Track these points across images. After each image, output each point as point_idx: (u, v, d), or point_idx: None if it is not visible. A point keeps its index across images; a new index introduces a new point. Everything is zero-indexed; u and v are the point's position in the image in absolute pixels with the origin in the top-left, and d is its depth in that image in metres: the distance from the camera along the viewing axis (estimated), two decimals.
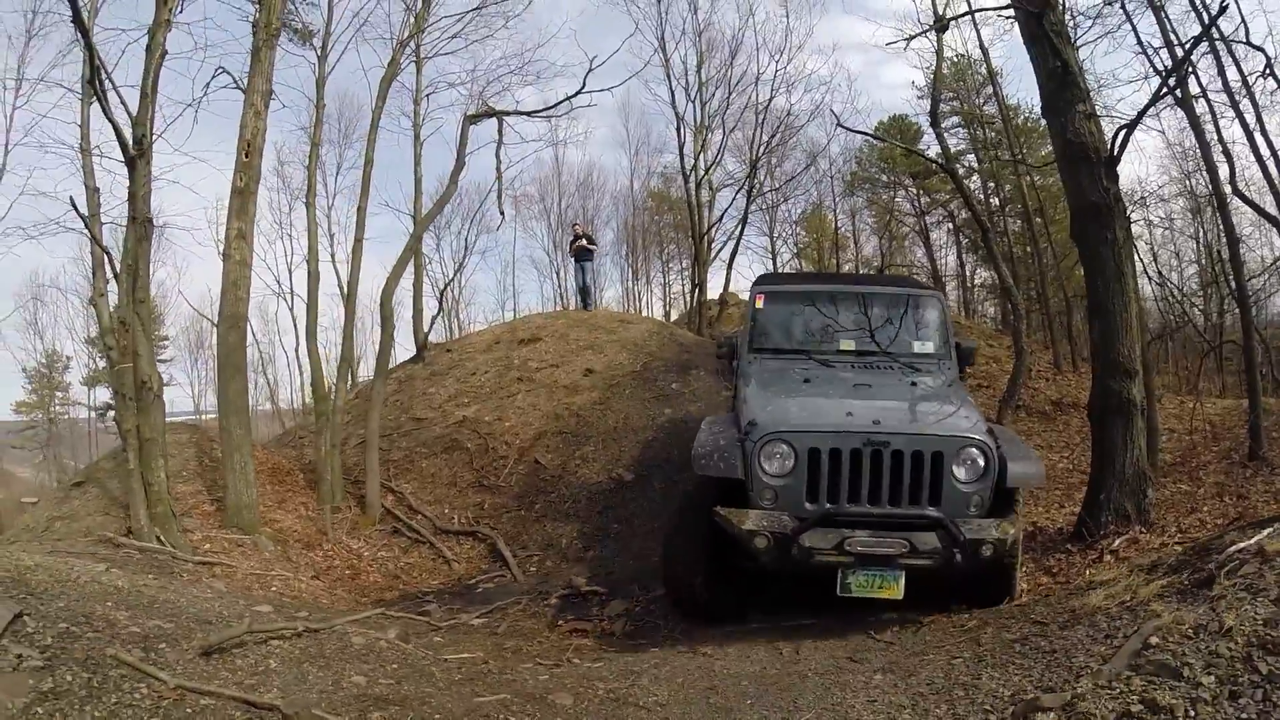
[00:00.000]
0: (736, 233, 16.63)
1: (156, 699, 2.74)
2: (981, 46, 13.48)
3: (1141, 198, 15.83)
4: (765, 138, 15.45)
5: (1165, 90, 6.64)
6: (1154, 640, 2.87)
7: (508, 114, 12.68)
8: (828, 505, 4.84)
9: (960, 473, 4.79)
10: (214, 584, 5.99)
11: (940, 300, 6.52)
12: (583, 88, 11.50)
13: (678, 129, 15.99)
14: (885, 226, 22.93)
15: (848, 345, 6.24)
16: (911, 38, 7.59)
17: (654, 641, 5.47)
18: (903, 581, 4.72)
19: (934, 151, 10.56)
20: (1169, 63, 8.10)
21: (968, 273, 23.44)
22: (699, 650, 4.77)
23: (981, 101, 16.88)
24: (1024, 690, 3.04)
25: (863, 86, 49.01)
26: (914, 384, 5.77)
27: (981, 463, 4.80)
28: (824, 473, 4.84)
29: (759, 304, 6.63)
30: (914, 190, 22.66)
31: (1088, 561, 5.53)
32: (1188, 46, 7.09)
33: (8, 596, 3.06)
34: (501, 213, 14.65)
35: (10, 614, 2.87)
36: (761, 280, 7.26)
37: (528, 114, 12.59)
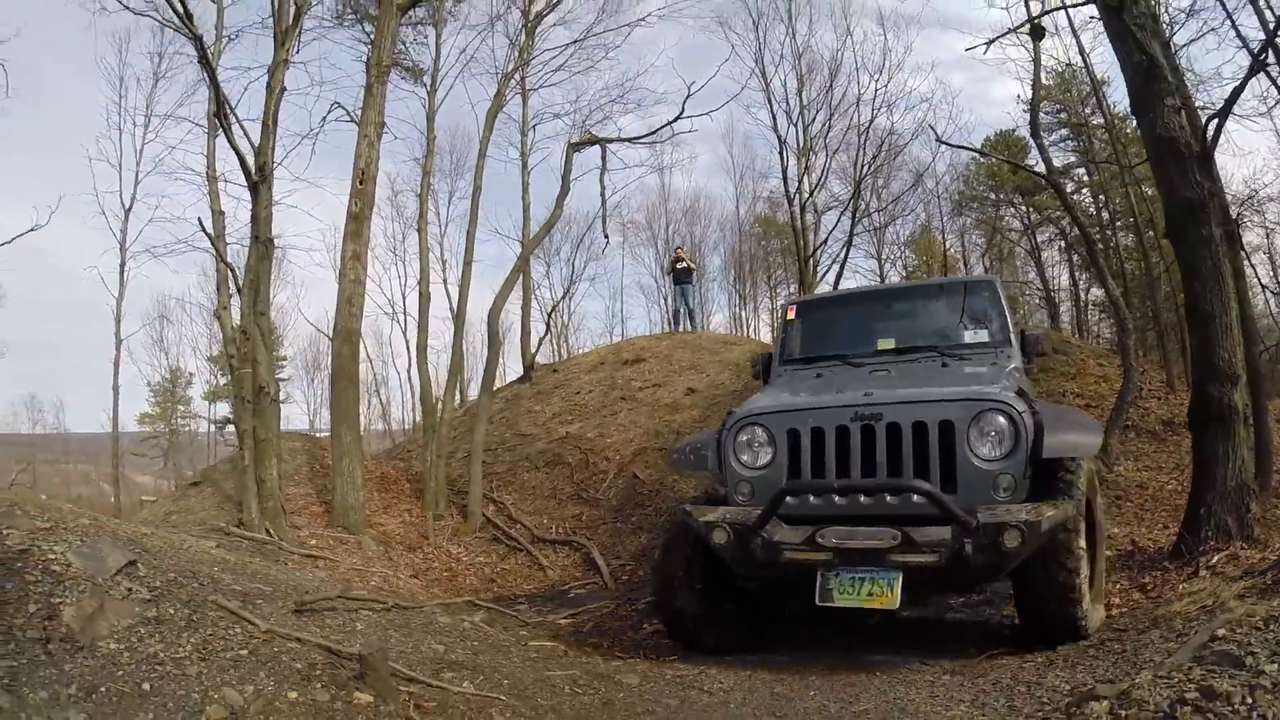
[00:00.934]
0: (841, 255, 16.42)
1: (248, 638, 2.95)
2: (1082, 52, 12.89)
3: (1250, 197, 14.60)
4: (868, 158, 15.22)
5: (1255, 70, 6.20)
6: (1221, 633, 2.69)
7: (610, 141, 13.05)
8: (812, 500, 4.06)
9: (980, 446, 3.84)
10: (316, 572, 6.34)
11: (996, 285, 5.52)
12: (681, 113, 11.75)
13: (780, 153, 15.90)
14: (994, 245, 22.02)
15: (886, 344, 5.39)
16: (991, 41, 7.29)
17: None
18: (899, 586, 3.68)
19: (1044, 167, 10.08)
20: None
21: (1081, 291, 22.20)
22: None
23: (1088, 111, 16.10)
24: (1085, 685, 2.92)
25: (969, 103, 47.73)
26: (945, 365, 4.95)
27: (1008, 432, 3.80)
28: (806, 460, 4.08)
29: (790, 315, 6.08)
30: (1023, 207, 21.73)
31: (1183, 577, 5.10)
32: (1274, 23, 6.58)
33: (127, 549, 3.36)
34: (606, 237, 15.04)
35: (125, 559, 3.15)
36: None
37: (629, 140, 12.94)
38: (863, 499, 3.94)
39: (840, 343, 5.65)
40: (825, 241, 16.91)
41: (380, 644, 3.33)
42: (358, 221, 8.83)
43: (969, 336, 5.24)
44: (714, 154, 75.32)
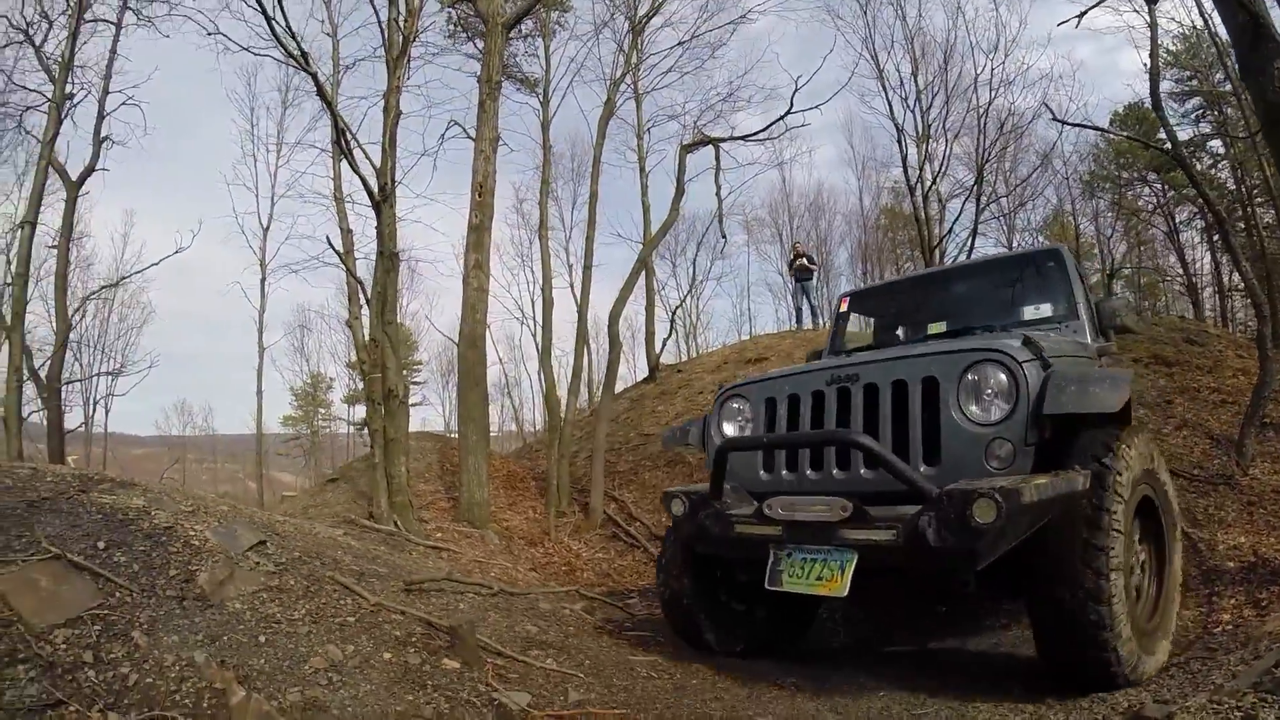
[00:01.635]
0: (968, 244, 15.75)
1: (356, 609, 3.28)
2: (1203, 14, 11.81)
3: None
4: (989, 142, 14.56)
5: None
6: None
7: (721, 140, 13.15)
8: (784, 474, 3.68)
9: (970, 406, 3.20)
10: (438, 562, 6.80)
11: (1062, 253, 4.78)
12: (790, 108, 11.68)
13: (899, 141, 15.49)
14: (1131, 229, 20.40)
15: (938, 328, 4.90)
16: (1083, 13, 6.80)
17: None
18: (850, 570, 3.11)
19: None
20: None
21: (1224, 275, 20.15)
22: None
23: (1220, 78, 14.65)
24: (1140, 704, 2.75)
25: (1096, 77, 44.13)
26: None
27: (1005, 387, 3.15)
28: (781, 429, 3.75)
29: (843, 308, 5.76)
30: (1158, 186, 20.00)
31: None
32: None
33: (259, 530, 3.80)
34: (723, 236, 15.16)
35: (256, 539, 3.58)
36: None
37: (741, 139, 12.97)
38: (835, 472, 3.50)
39: (892, 331, 5.35)
40: (951, 230, 16.29)
41: (470, 619, 3.59)
42: (478, 232, 9.36)
43: (1029, 313, 4.63)
44: (835, 147, 73.68)
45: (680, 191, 12.51)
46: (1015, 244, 21.16)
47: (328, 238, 7.11)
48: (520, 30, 12.07)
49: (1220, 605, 4.80)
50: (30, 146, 13.42)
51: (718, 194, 13.57)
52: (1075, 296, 4.54)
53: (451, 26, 12.42)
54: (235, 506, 4.39)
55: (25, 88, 12.51)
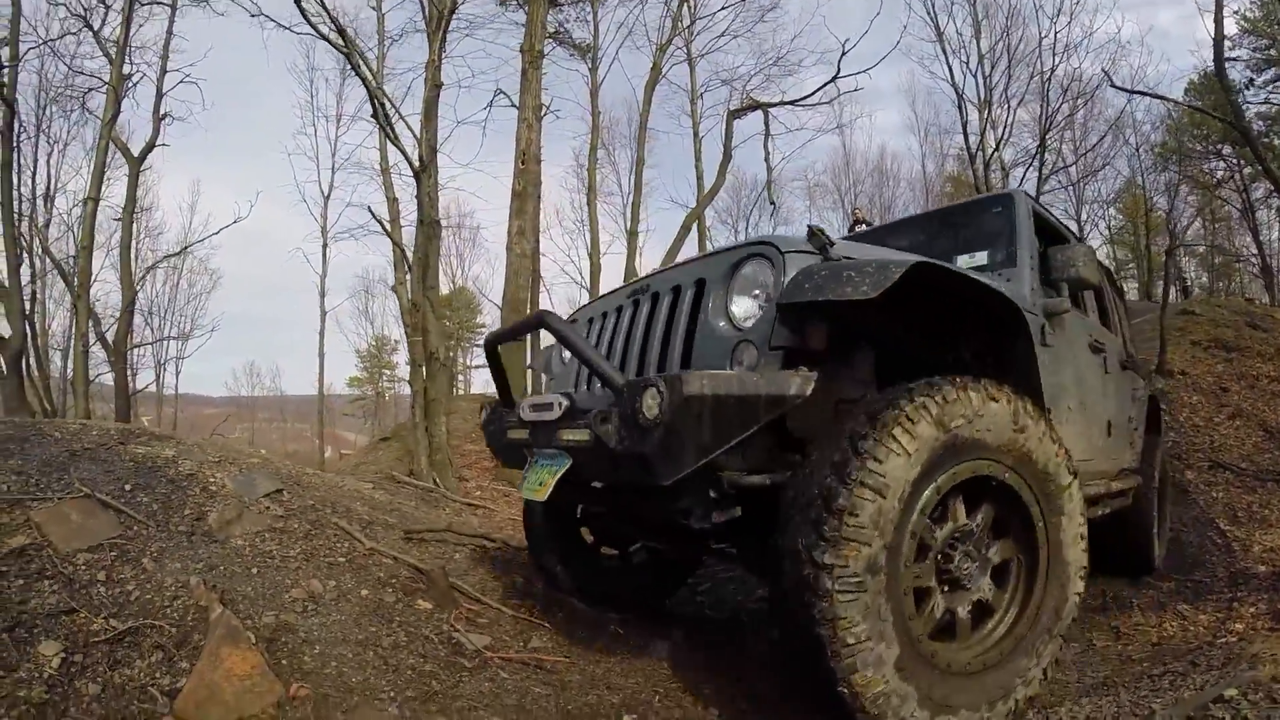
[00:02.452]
0: None
1: (351, 551, 3.70)
2: None
3: None
4: (1053, 109, 14.05)
5: None
6: (1230, 693, 2.34)
7: (770, 106, 13.13)
8: (585, 387, 3.56)
9: (732, 307, 2.76)
10: (470, 519, 7.27)
11: (1014, 200, 4.12)
12: (838, 73, 11.63)
13: (959, 106, 15.10)
14: (1207, 205, 19.26)
15: None
16: None
17: None
18: (559, 475, 2.79)
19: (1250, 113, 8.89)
20: None
21: None
22: None
23: None
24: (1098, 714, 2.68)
25: (1173, 45, 41.10)
26: None
27: (768, 283, 2.67)
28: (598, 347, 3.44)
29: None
30: (1235, 160, 18.73)
31: None
32: None
33: (278, 480, 4.26)
34: (771, 202, 15.21)
35: (273, 487, 4.04)
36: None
37: (789, 104, 12.95)
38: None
39: None
40: None
41: (444, 565, 3.97)
42: (521, 199, 9.70)
43: (963, 260, 4.11)
44: (899, 112, 70.95)
45: (727, 157, 12.59)
46: (1083, 217, 20.36)
47: (369, 207, 7.61)
48: None
49: (1238, 613, 4.49)
50: (94, 126, 14.51)
51: (766, 159, 13.60)
52: (1017, 243, 3.95)
53: None
54: (267, 460, 4.89)
55: (84, 73, 13.59)
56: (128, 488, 3.27)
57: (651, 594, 4.44)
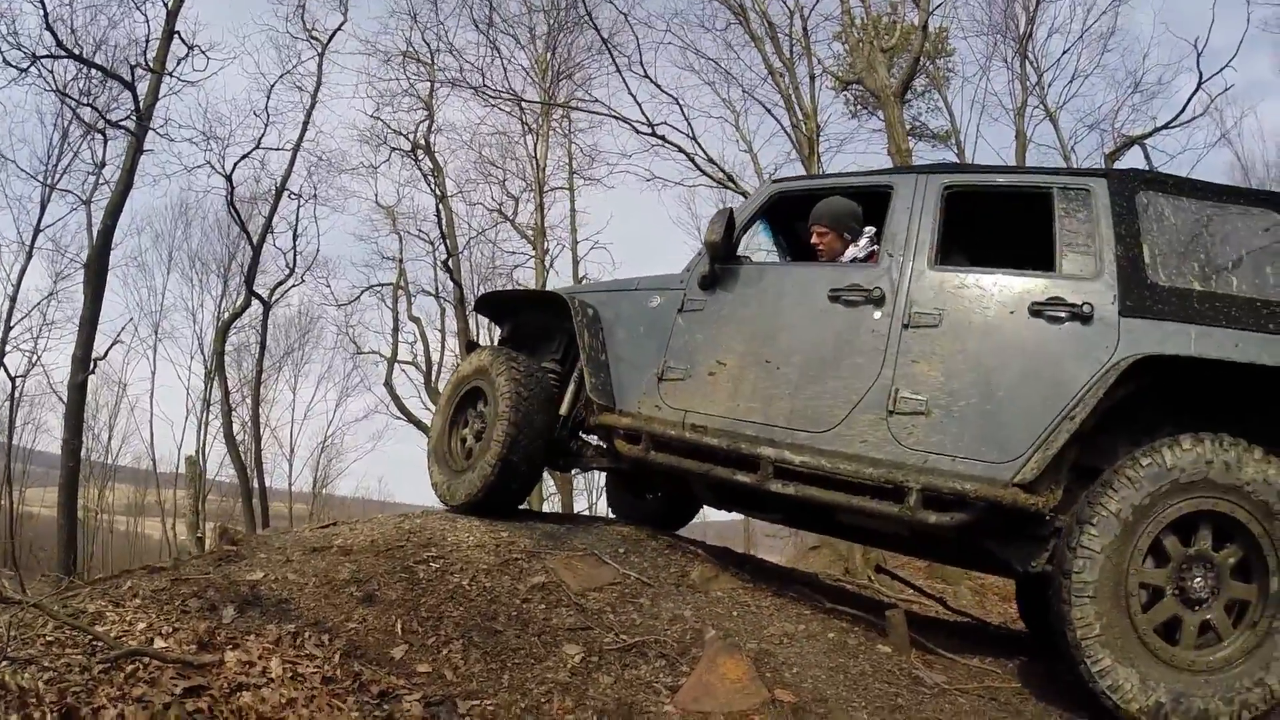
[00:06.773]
0: None
1: (815, 608, 3.88)
2: None
3: None
4: None
5: None
6: None
7: (1144, 138, 12.16)
8: None
9: None
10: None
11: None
12: (1201, 79, 10.38)
13: None
14: None
15: None
16: None
17: None
18: None
19: None
20: None
21: None
22: None
23: None
24: None
25: None
26: None
27: None
28: None
29: None
30: None
31: None
32: None
33: (742, 556, 4.67)
34: None
35: (740, 559, 4.45)
36: None
37: (1160, 129, 12.16)
38: None
39: None
40: None
41: (903, 610, 3.91)
42: None
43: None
44: None
45: None
46: None
47: None
48: (914, 90, 12.39)
49: None
50: None
51: None
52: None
53: (850, 109, 13.24)
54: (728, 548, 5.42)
55: (511, 251, 17.22)
56: (621, 550, 3.92)
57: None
